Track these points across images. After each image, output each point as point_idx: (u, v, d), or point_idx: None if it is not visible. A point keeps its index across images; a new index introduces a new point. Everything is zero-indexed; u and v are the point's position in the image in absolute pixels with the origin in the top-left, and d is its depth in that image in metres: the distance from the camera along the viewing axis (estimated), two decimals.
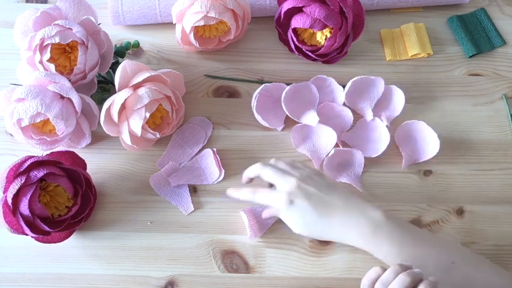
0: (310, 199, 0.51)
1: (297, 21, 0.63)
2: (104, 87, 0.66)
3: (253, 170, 0.55)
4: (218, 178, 0.62)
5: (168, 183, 0.62)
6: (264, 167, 0.54)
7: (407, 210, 0.61)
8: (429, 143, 0.63)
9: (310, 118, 0.64)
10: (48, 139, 0.58)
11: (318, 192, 0.51)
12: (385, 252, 0.49)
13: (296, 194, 0.51)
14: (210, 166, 0.63)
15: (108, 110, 0.57)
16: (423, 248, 0.50)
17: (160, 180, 0.62)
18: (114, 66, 0.65)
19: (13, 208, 0.51)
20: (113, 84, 0.63)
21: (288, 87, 0.64)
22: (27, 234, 0.53)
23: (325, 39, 0.64)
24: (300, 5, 0.62)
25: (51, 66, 0.57)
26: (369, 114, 0.65)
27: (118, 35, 0.71)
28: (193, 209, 0.61)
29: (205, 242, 0.59)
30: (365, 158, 0.63)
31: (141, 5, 0.69)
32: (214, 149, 0.63)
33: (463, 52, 0.71)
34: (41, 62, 0.57)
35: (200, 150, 0.64)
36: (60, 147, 0.60)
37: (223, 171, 0.62)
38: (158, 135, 0.61)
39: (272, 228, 0.60)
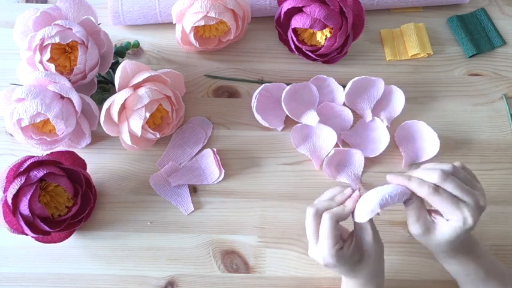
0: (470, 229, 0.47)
1: (297, 21, 0.63)
2: (104, 87, 0.66)
3: (418, 189, 0.46)
4: (218, 178, 0.62)
5: (168, 183, 0.62)
6: (434, 194, 0.45)
7: None
8: (429, 143, 0.63)
9: (310, 118, 0.64)
10: (48, 139, 0.58)
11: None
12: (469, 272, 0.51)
13: (473, 225, 0.46)
14: (210, 166, 0.63)
15: (108, 110, 0.57)
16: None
17: (160, 180, 0.62)
18: (114, 66, 0.65)
19: (13, 208, 0.51)
20: (113, 84, 0.63)
21: (288, 87, 0.64)
22: (27, 234, 0.53)
23: (325, 39, 0.64)
24: (300, 5, 0.62)
25: (51, 66, 0.57)
26: (368, 115, 0.65)
27: (118, 35, 0.71)
28: (193, 209, 0.61)
29: (205, 242, 0.59)
30: (365, 158, 0.63)
31: (141, 5, 0.69)
32: (214, 149, 0.63)
33: (463, 52, 0.71)
34: (41, 62, 0.57)
35: (200, 150, 0.64)
36: (60, 147, 0.60)
37: (223, 171, 0.62)
38: (158, 135, 0.61)
39: (272, 228, 0.60)
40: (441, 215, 0.47)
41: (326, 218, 0.46)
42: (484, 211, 0.47)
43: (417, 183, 0.46)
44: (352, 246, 0.47)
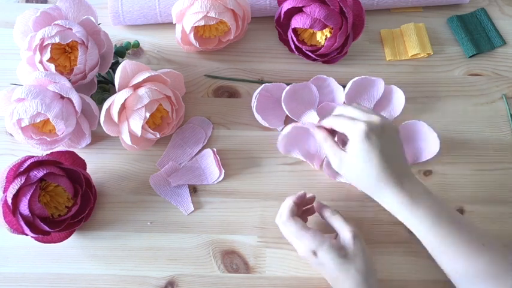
0: (382, 142, 0.52)
1: (297, 21, 0.63)
2: (104, 87, 0.66)
3: (325, 121, 0.56)
4: (218, 178, 0.62)
5: (168, 183, 0.62)
6: (334, 118, 0.55)
7: None
8: (429, 143, 0.63)
9: (310, 118, 0.64)
10: (48, 139, 0.58)
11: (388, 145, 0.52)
12: (418, 221, 0.51)
13: (374, 131, 0.51)
14: (210, 166, 0.63)
15: (108, 110, 0.57)
16: (456, 227, 0.50)
17: (160, 180, 0.62)
18: (114, 66, 0.65)
19: (13, 208, 0.51)
20: (113, 84, 0.63)
21: (287, 87, 0.64)
22: (27, 234, 0.53)
23: (325, 39, 0.64)
24: (300, 5, 0.62)
25: (51, 66, 0.57)
26: None
27: (118, 35, 0.71)
28: (193, 209, 0.61)
29: (205, 242, 0.59)
30: None
31: (141, 5, 0.69)
32: (214, 149, 0.63)
33: (463, 52, 0.71)
34: (41, 62, 0.57)
35: (200, 150, 0.64)
36: (60, 147, 0.60)
37: (223, 171, 0.62)
38: (158, 135, 0.61)
39: (272, 228, 0.60)
40: (345, 147, 0.53)
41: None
42: (387, 126, 0.52)
43: (324, 117, 0.57)
44: (338, 239, 0.53)
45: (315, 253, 0.51)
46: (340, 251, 0.51)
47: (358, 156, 0.51)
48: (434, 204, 0.51)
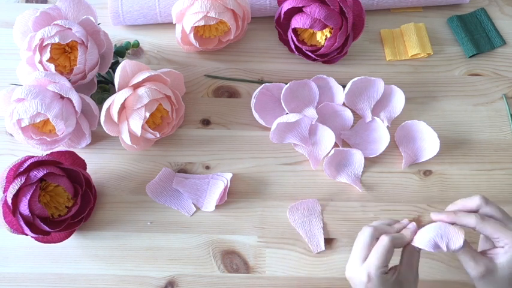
0: None
1: (297, 21, 0.63)
2: (104, 87, 0.66)
3: (466, 220, 0.48)
4: (211, 208, 0.61)
5: (165, 189, 0.61)
6: (482, 221, 0.47)
7: (407, 210, 0.61)
8: (429, 143, 0.63)
9: (309, 114, 0.64)
10: (48, 139, 0.58)
11: None
12: None
13: None
14: (214, 193, 0.61)
15: (108, 109, 0.57)
16: None
17: (157, 187, 0.61)
18: (114, 66, 0.65)
19: (13, 208, 0.51)
20: (113, 84, 0.63)
21: (288, 84, 0.64)
22: (27, 234, 0.53)
23: (325, 39, 0.64)
24: (300, 5, 0.62)
25: (51, 66, 0.57)
26: (368, 115, 0.65)
27: (118, 35, 0.71)
28: (195, 209, 0.61)
29: (205, 242, 0.59)
30: (365, 158, 0.63)
31: (141, 5, 0.69)
32: (228, 184, 0.61)
33: (463, 52, 0.71)
34: (40, 62, 0.57)
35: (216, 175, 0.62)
36: (60, 147, 0.60)
37: (225, 199, 0.61)
38: (158, 135, 0.61)
39: (272, 228, 0.60)
40: (490, 253, 0.48)
41: (386, 239, 0.47)
42: None
43: (464, 215, 0.48)
44: (395, 277, 0.48)
45: (367, 282, 0.47)
46: (395, 287, 0.48)
47: None
48: None
